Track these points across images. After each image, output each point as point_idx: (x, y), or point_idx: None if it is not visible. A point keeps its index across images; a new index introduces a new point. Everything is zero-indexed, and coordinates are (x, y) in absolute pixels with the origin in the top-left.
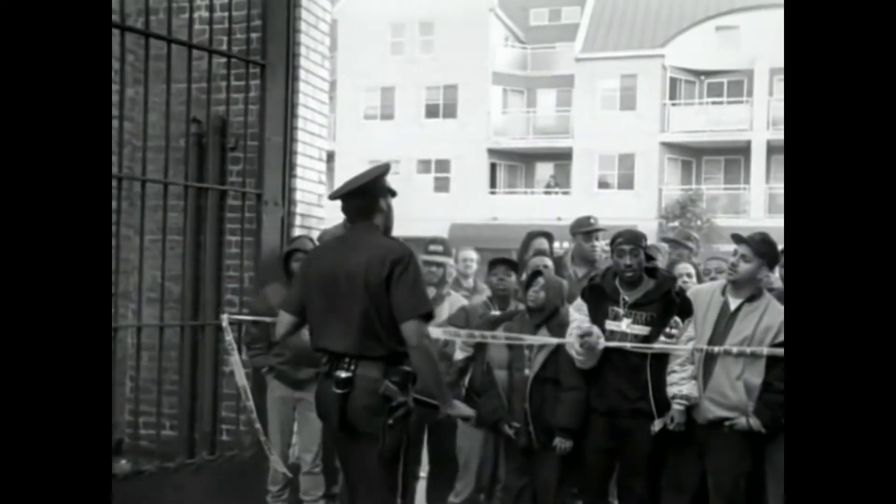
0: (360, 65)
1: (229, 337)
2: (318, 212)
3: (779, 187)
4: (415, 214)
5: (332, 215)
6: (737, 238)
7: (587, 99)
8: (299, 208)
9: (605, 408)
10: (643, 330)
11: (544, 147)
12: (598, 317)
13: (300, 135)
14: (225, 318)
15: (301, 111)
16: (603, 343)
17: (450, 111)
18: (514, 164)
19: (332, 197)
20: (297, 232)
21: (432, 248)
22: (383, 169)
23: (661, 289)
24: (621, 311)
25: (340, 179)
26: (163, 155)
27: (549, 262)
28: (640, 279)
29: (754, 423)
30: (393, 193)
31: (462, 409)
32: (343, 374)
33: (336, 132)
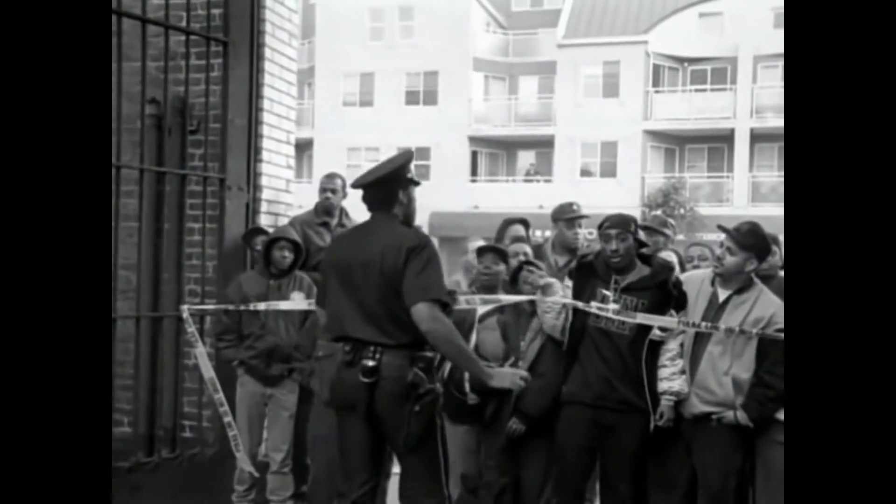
0: (339, 50)
1: (192, 328)
2: (285, 198)
3: (762, 176)
4: None
5: (301, 201)
6: (722, 229)
7: (569, 86)
8: (265, 194)
9: (590, 398)
10: (633, 317)
11: (526, 135)
12: (582, 298)
13: (266, 117)
14: (185, 309)
15: (267, 92)
16: (559, 294)
17: (430, 98)
18: (496, 152)
19: (354, 186)
20: (263, 219)
21: None
22: (405, 158)
23: (656, 277)
24: (611, 294)
25: (319, 167)
26: (116, 137)
27: (527, 248)
28: (629, 265)
29: (741, 417)
30: (416, 183)
31: (509, 375)
32: (370, 363)
33: (314, 119)
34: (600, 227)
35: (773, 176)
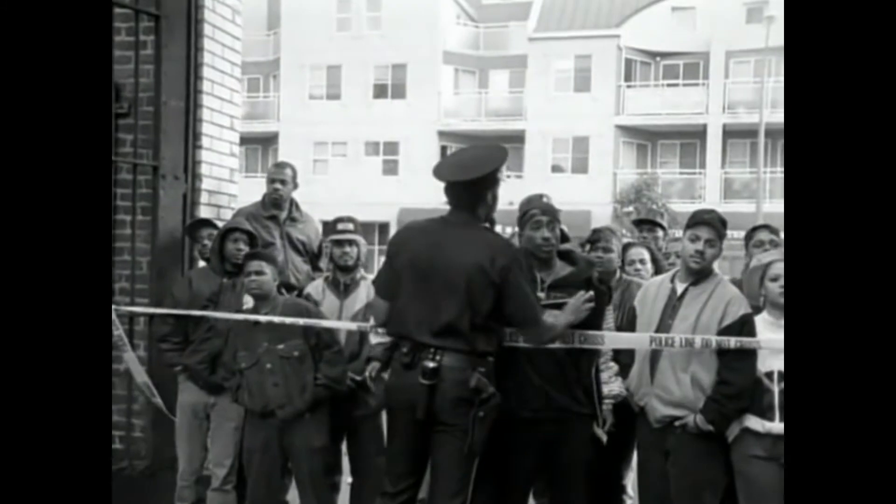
0: (305, 42)
1: (119, 331)
2: (229, 188)
3: (734, 172)
4: (362, 198)
5: (245, 194)
6: (700, 221)
7: (541, 80)
8: (206, 184)
9: (529, 412)
10: (600, 340)
11: (496, 129)
12: None
13: (206, 99)
14: (113, 310)
15: (207, 72)
16: None
17: (399, 91)
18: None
19: (442, 179)
20: (203, 211)
21: (341, 226)
22: (502, 160)
23: (582, 273)
24: (542, 296)
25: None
26: None
27: None
28: (551, 260)
29: (699, 419)
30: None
31: (578, 310)
32: (430, 364)
33: (280, 112)
34: (524, 214)
35: (745, 172)
